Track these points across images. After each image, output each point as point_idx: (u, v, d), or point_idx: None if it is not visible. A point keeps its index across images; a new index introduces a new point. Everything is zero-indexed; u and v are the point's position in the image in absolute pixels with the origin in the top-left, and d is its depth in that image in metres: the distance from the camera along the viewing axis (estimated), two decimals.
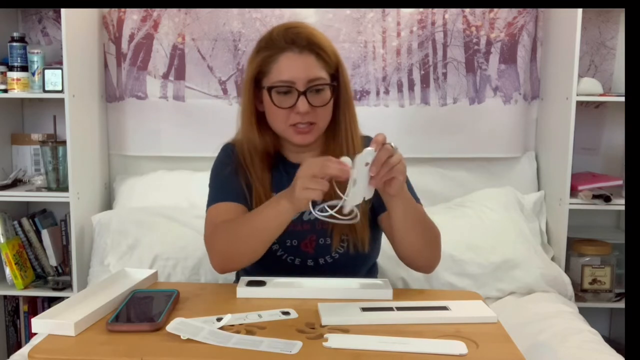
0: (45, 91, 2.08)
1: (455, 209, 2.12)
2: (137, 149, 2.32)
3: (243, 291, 1.20)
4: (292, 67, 1.29)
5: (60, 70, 2.05)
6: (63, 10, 1.99)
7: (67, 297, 1.35)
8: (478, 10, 2.20)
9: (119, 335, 1.00)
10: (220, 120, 2.15)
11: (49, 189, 2.13)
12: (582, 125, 2.15)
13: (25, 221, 2.24)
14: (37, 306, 2.32)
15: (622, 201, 2.06)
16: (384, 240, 1.41)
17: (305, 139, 1.34)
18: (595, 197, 2.05)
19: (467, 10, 2.20)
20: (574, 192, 2.08)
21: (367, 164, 1.08)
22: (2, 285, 2.21)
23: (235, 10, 2.22)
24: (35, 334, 1.46)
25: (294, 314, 1.09)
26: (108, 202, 2.34)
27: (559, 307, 1.79)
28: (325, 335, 0.99)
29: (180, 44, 2.25)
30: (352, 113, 1.39)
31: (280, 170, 1.41)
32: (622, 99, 2.07)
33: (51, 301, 2.30)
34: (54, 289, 2.17)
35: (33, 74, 2.12)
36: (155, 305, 1.11)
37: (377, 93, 2.24)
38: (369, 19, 2.21)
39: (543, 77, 2.26)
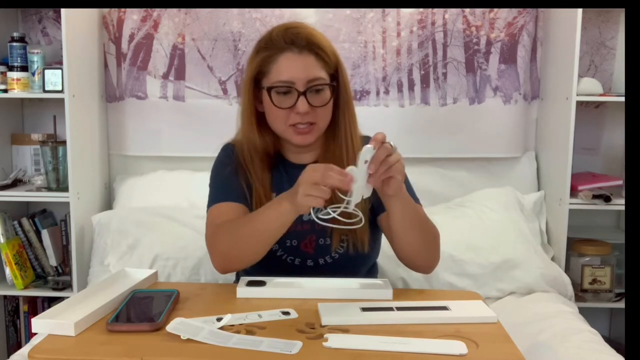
0: (45, 91, 2.08)
1: (455, 209, 2.12)
2: (137, 149, 2.32)
3: (243, 291, 1.20)
4: (291, 68, 1.29)
5: (60, 70, 2.05)
6: (63, 10, 1.99)
7: (67, 297, 1.35)
8: (478, 10, 2.20)
9: (119, 335, 1.00)
10: (220, 120, 2.15)
11: (49, 189, 2.13)
12: (582, 125, 2.15)
13: (25, 221, 2.24)
14: (37, 306, 2.32)
15: (622, 201, 2.06)
16: (384, 240, 1.41)
17: (305, 139, 1.34)
18: (595, 197, 2.05)
19: (467, 10, 2.20)
20: (574, 192, 2.08)
21: (366, 161, 1.08)
22: (2, 285, 2.21)
23: (235, 10, 2.22)
24: (35, 334, 1.46)
25: (294, 314, 1.09)
26: (108, 202, 2.34)
27: (559, 307, 1.79)
28: (325, 335, 0.99)
29: (180, 44, 2.25)
30: (351, 113, 1.39)
31: (280, 170, 1.41)
32: (622, 99, 2.07)
33: (51, 301, 2.30)
34: (54, 289, 2.17)
35: (33, 74, 2.12)
36: (155, 305, 1.11)
37: (377, 93, 2.24)
38: (369, 19, 2.21)
39: (543, 77, 2.26)
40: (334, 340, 0.97)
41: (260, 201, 1.34)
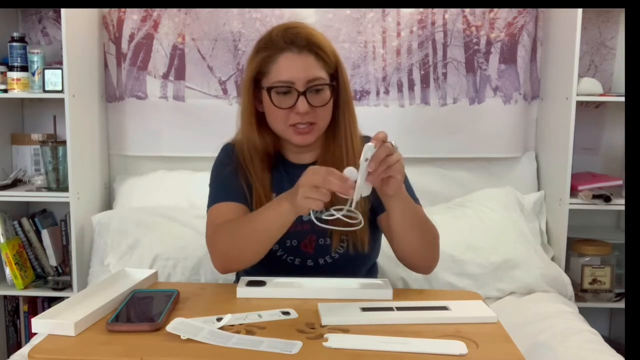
0: (45, 91, 2.08)
1: (455, 209, 2.12)
2: (137, 149, 2.32)
3: (243, 291, 1.20)
4: (291, 68, 1.29)
5: (60, 70, 2.05)
6: (63, 10, 1.99)
7: (67, 297, 1.35)
8: (478, 10, 2.20)
9: (119, 335, 1.00)
10: (220, 120, 2.15)
11: (49, 189, 2.13)
12: (582, 125, 2.15)
13: (25, 221, 2.24)
14: (37, 306, 2.32)
15: (622, 201, 2.06)
16: (384, 240, 1.41)
17: (305, 139, 1.34)
18: (595, 197, 2.05)
19: (467, 10, 2.20)
20: (574, 192, 2.08)
21: (366, 159, 1.08)
22: (2, 285, 2.21)
23: (235, 10, 2.22)
24: (35, 334, 1.47)
25: (294, 314, 1.09)
26: (108, 202, 2.34)
27: (559, 307, 1.79)
28: (325, 335, 0.99)
29: (180, 44, 2.25)
30: (351, 113, 1.39)
31: (280, 170, 1.41)
32: (622, 99, 2.07)
33: (51, 301, 2.30)
34: (54, 289, 2.17)
35: (33, 74, 2.12)
36: (155, 305, 1.11)
37: (377, 93, 2.24)
38: (369, 19, 2.21)
39: (543, 77, 2.26)
40: (334, 340, 0.97)
41: (260, 201, 1.34)
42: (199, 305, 1.15)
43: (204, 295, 1.23)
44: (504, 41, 2.20)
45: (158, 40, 2.25)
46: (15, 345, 2.33)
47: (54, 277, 2.24)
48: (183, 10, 2.23)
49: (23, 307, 2.32)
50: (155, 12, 2.24)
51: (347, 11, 2.21)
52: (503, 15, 2.20)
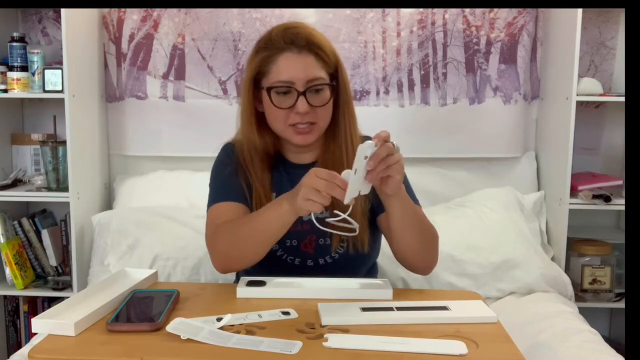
0: (45, 91, 2.08)
1: (455, 209, 2.12)
2: (137, 149, 2.32)
3: (243, 291, 1.20)
4: (291, 68, 1.29)
5: (60, 70, 2.05)
6: (63, 10, 1.99)
7: (67, 297, 1.35)
8: (478, 10, 2.20)
9: (119, 335, 1.00)
10: (220, 120, 2.15)
11: (49, 189, 2.13)
12: (582, 125, 2.15)
13: (25, 221, 2.24)
14: (37, 306, 2.32)
15: (622, 201, 2.06)
16: (384, 240, 1.41)
17: (305, 139, 1.34)
18: (595, 197, 2.05)
19: (467, 10, 2.20)
20: (574, 192, 2.08)
21: (365, 157, 1.08)
22: (2, 285, 2.21)
23: (235, 10, 2.22)
24: (35, 334, 1.46)
25: (294, 314, 1.09)
26: (108, 202, 2.34)
27: (559, 307, 1.79)
28: (325, 335, 0.99)
29: (180, 44, 2.25)
30: (351, 113, 1.39)
31: (280, 170, 1.41)
32: (622, 99, 2.07)
33: (51, 301, 2.30)
34: (54, 289, 2.17)
35: (33, 74, 2.12)
36: (155, 305, 1.11)
37: (377, 93, 2.24)
38: (369, 19, 2.21)
39: (543, 77, 2.26)
40: (334, 340, 0.97)
41: (260, 201, 1.34)
42: (199, 305, 1.15)
43: (204, 295, 1.23)
44: (504, 41, 2.20)
45: (158, 40, 2.25)
46: (15, 345, 2.33)
47: (54, 277, 2.24)
48: (183, 10, 2.23)
49: (23, 307, 2.32)
50: (155, 12, 2.24)
51: (347, 11, 2.21)
52: (503, 15, 2.20)
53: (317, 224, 1.12)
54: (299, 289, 1.21)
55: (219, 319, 1.04)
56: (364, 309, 1.10)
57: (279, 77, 1.30)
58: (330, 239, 1.35)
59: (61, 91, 2.04)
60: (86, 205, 2.16)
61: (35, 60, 2.11)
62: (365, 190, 1.12)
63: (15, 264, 2.16)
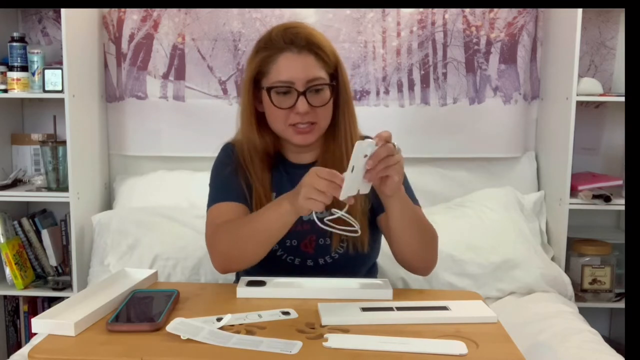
0: (45, 91, 2.08)
1: (455, 209, 2.12)
2: (137, 149, 2.32)
3: (243, 291, 1.20)
4: (291, 68, 1.29)
5: (60, 70, 2.05)
6: (63, 10, 1.99)
7: (67, 297, 1.35)
8: (478, 10, 2.20)
9: (119, 335, 1.00)
10: (220, 120, 2.15)
11: (49, 189, 2.13)
12: (582, 125, 2.15)
13: (25, 221, 2.24)
14: (37, 306, 2.32)
15: (622, 201, 2.06)
16: (384, 240, 1.41)
17: (306, 139, 1.34)
18: (595, 197, 2.05)
19: (467, 10, 2.20)
20: (574, 192, 2.08)
21: (365, 155, 1.07)
22: (2, 285, 2.21)
23: (235, 10, 2.22)
24: (35, 334, 1.46)
25: (294, 314, 1.09)
26: (108, 202, 2.34)
27: (559, 307, 1.79)
28: (325, 335, 0.99)
29: (180, 44, 2.25)
30: (351, 113, 1.39)
31: (280, 170, 1.41)
32: (622, 99, 2.07)
33: (51, 301, 2.30)
34: (54, 289, 2.17)
35: (33, 74, 2.12)
36: (155, 305, 1.11)
37: (377, 93, 2.24)
38: (369, 19, 2.21)
39: (543, 77, 2.26)
40: (334, 340, 0.97)
41: (260, 201, 1.34)
42: (199, 305, 1.15)
43: (204, 295, 1.23)
44: (504, 41, 2.20)
45: (158, 40, 2.25)
46: (15, 345, 2.33)
47: (54, 277, 2.24)
48: (183, 10, 2.23)
49: (23, 307, 2.32)
50: (155, 12, 2.24)
51: (347, 11, 2.21)
52: (503, 15, 2.20)
53: (319, 224, 1.12)
54: (299, 289, 1.21)
55: (219, 319, 1.04)
56: (364, 309, 1.10)
57: (279, 77, 1.30)
58: (330, 239, 1.35)
59: (61, 91, 2.04)
60: (86, 205, 2.16)
61: (35, 60, 2.11)
62: (365, 189, 1.12)
63: (15, 264, 2.16)
